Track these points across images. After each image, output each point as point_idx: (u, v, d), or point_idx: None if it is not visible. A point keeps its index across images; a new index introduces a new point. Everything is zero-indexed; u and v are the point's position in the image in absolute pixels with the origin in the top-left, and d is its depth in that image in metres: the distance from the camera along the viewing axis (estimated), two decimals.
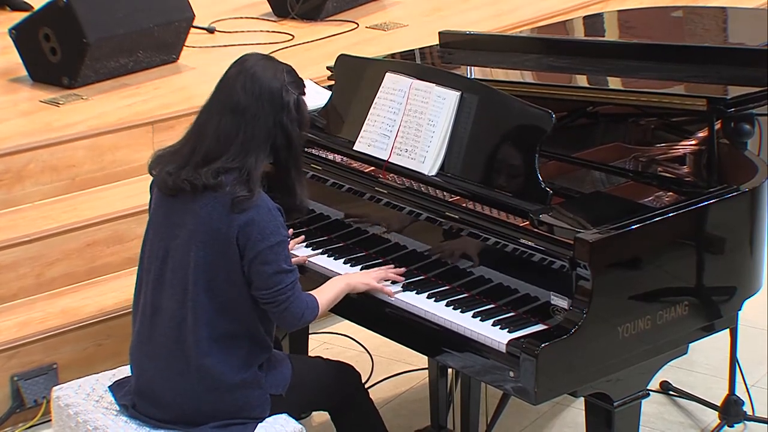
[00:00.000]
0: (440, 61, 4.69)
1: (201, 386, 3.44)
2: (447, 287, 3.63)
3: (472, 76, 4.35)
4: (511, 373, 3.29)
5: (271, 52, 5.82)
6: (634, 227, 3.40)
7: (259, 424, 3.50)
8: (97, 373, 3.83)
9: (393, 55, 4.63)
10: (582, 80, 4.35)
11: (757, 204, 3.68)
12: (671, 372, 4.60)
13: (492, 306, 3.51)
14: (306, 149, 3.91)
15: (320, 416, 3.90)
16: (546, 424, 4.55)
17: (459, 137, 3.71)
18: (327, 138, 4.02)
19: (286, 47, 6.36)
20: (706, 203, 3.58)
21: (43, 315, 4.66)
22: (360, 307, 3.69)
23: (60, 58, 5.66)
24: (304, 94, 3.51)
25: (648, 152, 4.01)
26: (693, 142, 4.01)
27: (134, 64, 5.90)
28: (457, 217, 3.63)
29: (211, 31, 6.65)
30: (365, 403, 3.76)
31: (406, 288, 3.64)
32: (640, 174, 3.92)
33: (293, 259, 3.57)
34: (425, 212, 3.71)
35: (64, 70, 5.68)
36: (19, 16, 6.17)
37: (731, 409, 4.46)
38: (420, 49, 4.75)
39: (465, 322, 3.45)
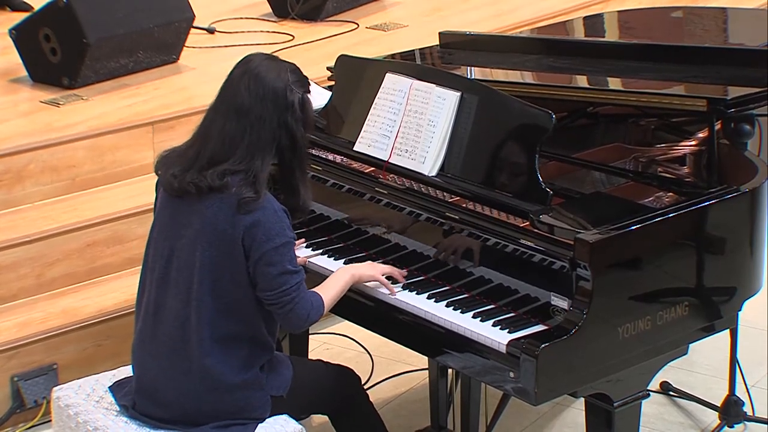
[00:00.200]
0: (440, 61, 4.69)
1: (202, 386, 3.44)
2: (447, 288, 3.64)
3: (473, 77, 4.35)
4: (512, 374, 3.30)
5: (271, 53, 5.81)
6: (634, 228, 3.40)
7: (260, 425, 3.50)
8: (98, 373, 3.83)
9: (393, 56, 4.63)
10: (582, 81, 4.35)
11: (757, 204, 3.68)
12: (671, 372, 4.60)
13: (492, 306, 3.52)
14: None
15: (320, 417, 3.90)
16: (546, 425, 4.55)
17: (459, 138, 3.71)
18: (327, 138, 4.02)
19: (286, 48, 6.37)
20: (706, 204, 3.58)
21: (43, 315, 4.67)
22: (360, 308, 3.69)
23: (60, 58, 5.66)
24: (309, 92, 3.51)
25: (648, 153, 4.01)
26: (693, 143, 4.01)
27: (134, 64, 5.90)
28: (457, 217, 3.63)
29: (211, 31, 6.65)
30: (365, 406, 3.75)
31: (406, 288, 3.64)
32: (640, 174, 3.92)
33: None
34: (425, 213, 3.71)
35: (64, 71, 5.68)
36: (19, 17, 6.17)
37: (731, 410, 4.46)
38: (420, 49, 4.75)
39: (465, 322, 3.45)
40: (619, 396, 3.47)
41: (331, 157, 4.01)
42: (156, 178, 3.56)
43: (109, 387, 3.67)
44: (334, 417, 3.73)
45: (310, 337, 4.44)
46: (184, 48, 6.13)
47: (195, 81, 5.94)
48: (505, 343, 3.33)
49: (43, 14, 5.72)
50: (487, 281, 3.57)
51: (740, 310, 3.73)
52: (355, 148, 3.92)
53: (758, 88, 3.88)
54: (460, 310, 3.51)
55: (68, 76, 5.67)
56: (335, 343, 5.03)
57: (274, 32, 6.70)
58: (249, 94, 3.41)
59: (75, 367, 4.58)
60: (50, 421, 3.84)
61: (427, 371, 4.33)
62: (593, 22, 5.18)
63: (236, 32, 6.67)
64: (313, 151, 4.00)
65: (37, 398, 4.53)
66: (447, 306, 3.54)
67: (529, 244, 3.44)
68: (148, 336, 3.51)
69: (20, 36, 5.78)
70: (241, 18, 6.97)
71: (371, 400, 3.80)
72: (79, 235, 4.88)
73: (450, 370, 4.21)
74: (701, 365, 4.85)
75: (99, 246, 4.93)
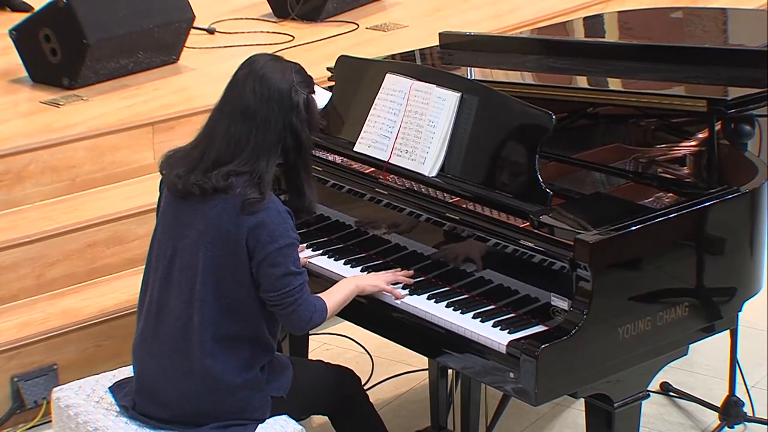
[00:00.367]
0: (440, 62, 4.69)
1: (203, 386, 3.44)
2: (447, 288, 3.64)
3: (473, 77, 4.35)
4: (512, 374, 3.30)
5: (272, 53, 5.82)
6: (634, 228, 3.41)
7: (260, 425, 3.50)
8: (98, 374, 3.83)
9: (393, 56, 4.63)
10: (582, 81, 4.35)
11: (757, 205, 3.68)
12: (671, 373, 4.61)
13: (492, 307, 3.52)
14: None
15: (320, 417, 3.90)
16: (546, 425, 4.55)
17: (459, 138, 3.71)
18: (327, 139, 4.02)
19: (286, 48, 6.36)
20: (706, 204, 3.58)
21: (43, 316, 4.67)
22: (360, 309, 3.68)
23: (60, 58, 5.66)
24: (313, 92, 3.51)
25: (648, 153, 4.02)
26: (693, 143, 4.01)
27: (134, 64, 5.90)
28: (457, 218, 3.63)
29: (211, 32, 6.65)
30: (365, 406, 3.75)
31: (406, 289, 3.64)
32: (640, 175, 3.92)
33: None
34: (425, 213, 3.71)
35: (64, 71, 5.68)
36: (19, 17, 6.17)
37: (731, 410, 4.46)
38: (420, 50, 4.75)
39: (465, 323, 3.45)
40: (619, 396, 3.47)
41: (331, 157, 4.01)
42: (159, 177, 3.56)
43: (109, 387, 3.67)
44: (334, 417, 3.73)
45: (310, 337, 4.44)
46: (184, 48, 6.13)
47: (195, 81, 5.94)
48: (505, 343, 3.33)
49: (43, 15, 5.72)
50: (487, 282, 3.57)
51: (740, 310, 3.73)
52: (355, 149, 3.92)
53: (758, 89, 3.88)
54: (460, 311, 3.51)
55: (68, 76, 5.67)
56: (335, 343, 5.03)
57: (274, 33, 6.70)
58: (254, 96, 3.41)
59: (75, 367, 4.58)
60: (50, 421, 3.84)
61: (427, 372, 4.33)
62: (593, 23, 5.18)
63: (236, 33, 6.67)
64: (314, 152, 4.00)
65: (37, 399, 4.53)
66: (447, 306, 3.54)
67: (529, 244, 3.44)
68: (150, 336, 3.52)
69: (20, 36, 5.78)
70: (241, 18, 6.97)
71: (371, 400, 3.80)
72: (79, 236, 4.88)
73: (450, 371, 4.21)
74: (701, 366, 4.85)
75: (99, 246, 4.93)
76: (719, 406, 4.50)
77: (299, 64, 3.52)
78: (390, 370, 4.83)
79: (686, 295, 3.54)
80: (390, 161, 3.82)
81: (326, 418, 3.76)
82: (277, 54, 3.87)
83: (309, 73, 3.53)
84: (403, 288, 3.64)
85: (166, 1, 5.96)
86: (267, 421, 3.52)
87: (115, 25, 5.71)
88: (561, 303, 3.38)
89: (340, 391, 3.70)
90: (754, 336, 4.96)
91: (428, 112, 3.76)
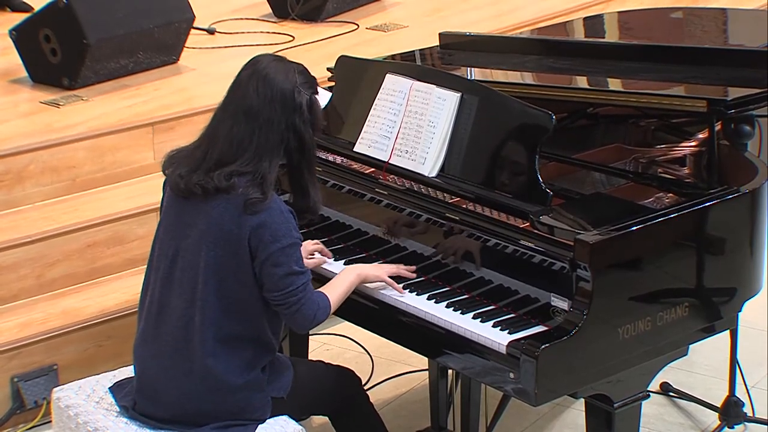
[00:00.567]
0: (440, 62, 4.69)
1: (203, 386, 3.44)
2: (447, 288, 3.64)
3: (473, 78, 4.35)
4: (512, 375, 3.30)
5: (273, 53, 5.82)
6: (634, 228, 3.41)
7: (260, 426, 3.50)
8: (98, 374, 3.84)
9: (393, 56, 4.63)
10: (582, 81, 4.35)
11: (757, 205, 3.68)
12: (671, 373, 4.61)
13: (492, 307, 3.52)
14: None
15: (320, 417, 3.90)
16: (546, 426, 4.55)
17: (459, 139, 3.71)
18: (327, 139, 4.02)
19: (287, 48, 6.36)
20: (706, 205, 3.58)
21: (43, 316, 4.67)
22: (360, 309, 3.69)
23: (60, 59, 5.66)
24: (317, 93, 3.51)
25: (648, 153, 4.02)
26: (693, 144, 4.01)
27: (134, 65, 5.90)
28: (457, 218, 3.63)
29: (211, 32, 6.65)
30: (365, 406, 3.76)
31: (406, 289, 3.64)
32: (640, 175, 3.92)
33: None
34: (425, 213, 3.71)
35: (64, 71, 5.67)
36: (19, 17, 6.16)
37: (731, 411, 4.46)
38: (420, 50, 4.75)
39: (465, 323, 3.45)
40: (619, 397, 3.47)
41: (331, 157, 4.01)
42: (162, 177, 3.57)
43: (109, 388, 3.67)
44: (335, 418, 3.73)
45: (310, 337, 4.45)
46: (184, 48, 6.12)
47: (195, 82, 5.94)
48: (505, 343, 3.33)
49: (43, 15, 5.72)
50: (487, 282, 3.57)
51: (740, 310, 3.73)
52: (355, 149, 3.92)
53: (758, 89, 3.88)
54: (460, 311, 3.51)
55: (68, 76, 5.67)
56: (335, 343, 5.03)
57: (274, 33, 6.70)
58: (257, 96, 3.41)
59: (75, 367, 4.58)
60: (50, 421, 3.84)
61: (427, 372, 4.33)
62: (593, 23, 5.18)
63: (236, 33, 6.67)
64: None
65: (37, 399, 4.52)
66: (447, 307, 3.54)
67: (529, 244, 3.44)
68: (151, 335, 3.52)
69: (20, 36, 5.78)
70: (241, 18, 6.97)
71: (371, 400, 3.80)
72: (79, 236, 4.89)
73: (450, 371, 4.21)
74: (701, 366, 4.85)
75: (99, 246, 4.93)
76: (719, 406, 4.50)
77: (303, 65, 3.53)
78: (390, 370, 4.83)
79: (686, 295, 3.54)
80: (390, 161, 3.82)
81: (326, 418, 3.76)
82: (280, 54, 3.86)
83: (312, 74, 3.53)
84: (404, 287, 3.64)
85: (166, 1, 5.96)
86: (267, 421, 3.52)
87: (115, 25, 5.71)
88: (561, 303, 3.38)
89: (340, 392, 3.70)
90: (754, 336, 4.96)
91: (428, 112, 3.76)
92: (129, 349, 3.64)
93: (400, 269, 3.68)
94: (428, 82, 3.80)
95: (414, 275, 3.67)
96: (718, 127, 3.80)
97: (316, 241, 3.83)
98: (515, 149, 3.64)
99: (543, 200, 3.50)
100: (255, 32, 6.72)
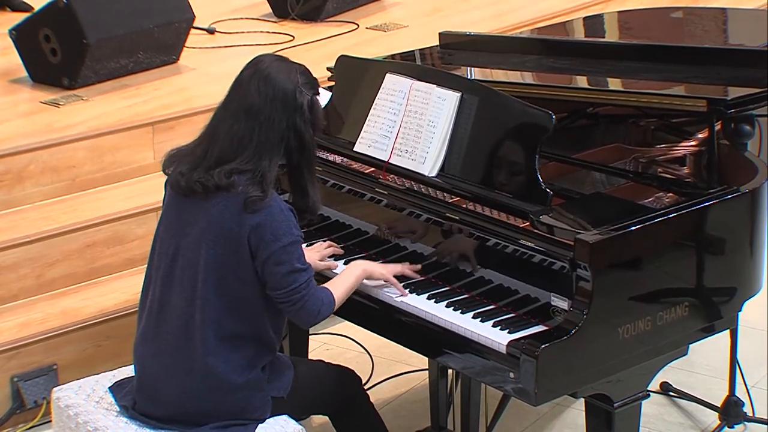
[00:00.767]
0: (440, 62, 4.69)
1: (204, 385, 3.44)
2: (447, 288, 3.64)
3: (473, 77, 4.35)
4: (512, 374, 3.30)
5: (273, 53, 5.82)
6: (634, 228, 3.40)
7: (260, 425, 3.50)
8: (98, 374, 3.83)
9: (393, 56, 4.63)
10: (582, 81, 4.35)
11: (757, 205, 3.68)
12: (671, 373, 4.61)
13: (492, 307, 3.52)
14: None
15: (320, 417, 3.91)
16: (546, 425, 4.55)
17: (459, 138, 3.71)
18: (327, 139, 4.02)
19: (287, 48, 6.36)
20: (706, 204, 3.58)
21: (43, 316, 4.67)
22: (360, 309, 3.69)
23: (60, 58, 5.66)
24: (318, 93, 3.52)
25: (648, 153, 4.01)
26: (693, 143, 4.01)
27: (134, 64, 5.90)
28: (457, 218, 3.63)
29: (211, 31, 6.65)
30: (365, 406, 3.76)
31: (406, 288, 3.64)
32: (640, 175, 3.92)
33: None
34: (425, 213, 3.71)
35: (64, 71, 5.68)
36: (19, 17, 6.17)
37: (731, 410, 4.46)
38: (420, 49, 4.75)
39: (465, 323, 3.45)
40: (619, 396, 3.47)
41: (331, 157, 4.01)
42: (162, 177, 3.57)
43: (109, 387, 3.67)
44: (335, 417, 3.73)
45: (310, 337, 4.45)
46: (184, 48, 6.13)
47: (195, 81, 5.94)
48: (505, 343, 3.33)
49: (43, 14, 5.72)
50: (487, 282, 3.57)
51: (740, 310, 3.73)
52: (355, 149, 3.92)
53: (758, 89, 3.88)
54: (460, 311, 3.51)
55: (68, 76, 5.67)
56: (335, 343, 5.03)
57: (274, 32, 6.70)
58: (259, 95, 3.42)
59: (75, 367, 4.58)
60: (50, 421, 3.84)
61: (427, 372, 4.33)
62: (593, 23, 5.18)
63: (236, 33, 6.67)
64: None
65: (37, 399, 4.53)
66: (447, 306, 3.54)
67: (529, 244, 3.44)
68: (151, 334, 3.52)
69: (20, 36, 5.78)
70: (241, 18, 6.97)
71: (371, 400, 3.80)
72: (79, 236, 4.89)
73: (450, 371, 4.21)
74: (701, 366, 4.85)
75: (99, 246, 4.93)
76: (719, 406, 4.50)
77: (305, 66, 3.53)
78: (390, 370, 4.83)
79: (686, 295, 3.54)
80: (390, 161, 3.82)
81: (326, 418, 3.76)
82: (281, 54, 3.86)
83: (314, 75, 3.54)
84: (404, 286, 3.64)
85: (166, 1, 5.96)
86: (267, 421, 3.52)
87: (115, 25, 5.71)
88: (561, 303, 3.38)
89: (340, 392, 3.70)
90: (754, 336, 4.96)
91: (428, 112, 3.76)
92: (128, 349, 3.64)
93: (405, 269, 3.68)
94: (428, 82, 3.80)
95: (418, 276, 3.67)
96: (718, 126, 3.80)
97: (329, 243, 3.83)
98: (515, 149, 3.64)
99: (543, 200, 3.50)
100: (255, 32, 6.72)
